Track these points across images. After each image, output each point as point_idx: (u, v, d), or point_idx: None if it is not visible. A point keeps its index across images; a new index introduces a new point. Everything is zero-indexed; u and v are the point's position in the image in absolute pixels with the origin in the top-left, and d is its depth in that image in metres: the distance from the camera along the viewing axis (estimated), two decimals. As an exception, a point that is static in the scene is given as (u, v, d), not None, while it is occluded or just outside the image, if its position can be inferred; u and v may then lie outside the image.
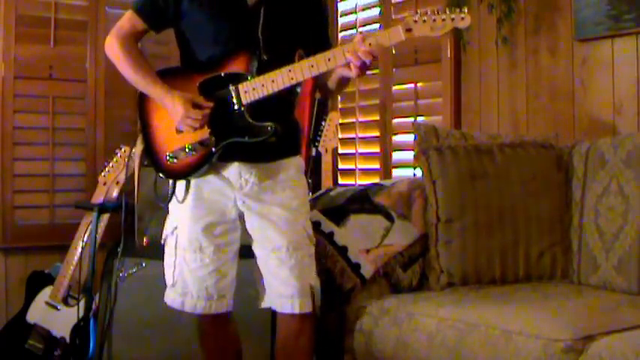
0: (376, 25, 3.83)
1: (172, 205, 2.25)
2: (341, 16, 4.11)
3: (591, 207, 2.53)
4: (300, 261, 2.16)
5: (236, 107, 2.10)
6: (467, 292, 2.50)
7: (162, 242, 2.28)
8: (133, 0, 2.24)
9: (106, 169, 3.27)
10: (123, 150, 3.27)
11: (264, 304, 2.24)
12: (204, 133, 2.12)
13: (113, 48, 2.20)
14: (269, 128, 2.09)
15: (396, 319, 2.40)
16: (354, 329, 2.53)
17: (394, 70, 3.71)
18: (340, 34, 4.09)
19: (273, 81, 2.06)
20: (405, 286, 2.66)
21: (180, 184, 2.21)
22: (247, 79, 2.09)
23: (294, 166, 2.24)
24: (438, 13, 1.99)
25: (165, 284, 2.27)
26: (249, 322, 2.55)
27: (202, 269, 2.19)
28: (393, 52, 3.69)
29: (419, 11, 2.03)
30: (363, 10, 3.94)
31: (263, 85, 2.07)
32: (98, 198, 3.25)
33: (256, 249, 2.22)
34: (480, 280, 2.61)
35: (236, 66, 2.11)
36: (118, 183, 3.26)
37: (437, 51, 3.45)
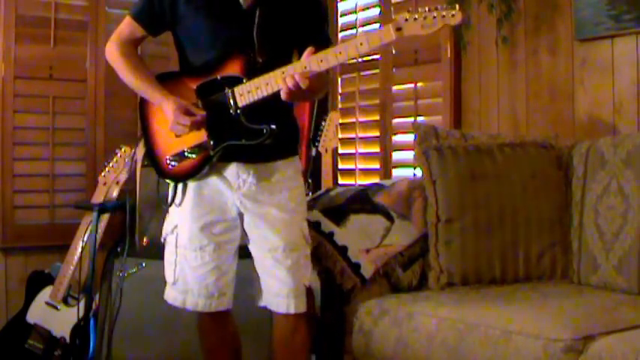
0: (376, 25, 3.83)
1: (175, 207, 2.26)
2: (341, 16, 4.11)
3: (591, 207, 2.53)
4: (295, 262, 2.18)
5: (232, 110, 2.12)
6: (467, 292, 2.50)
7: (163, 241, 2.29)
8: (131, 4, 2.25)
9: (106, 169, 3.26)
10: (123, 150, 3.26)
11: (262, 303, 2.26)
12: (202, 136, 2.14)
13: (113, 53, 2.25)
14: (264, 130, 2.10)
15: (396, 319, 2.40)
16: (354, 329, 2.53)
17: (394, 70, 3.71)
18: (340, 34, 4.09)
19: (267, 84, 2.07)
20: (405, 286, 2.66)
21: (179, 187, 2.23)
22: (243, 81, 2.10)
23: (291, 168, 2.26)
24: (428, 10, 1.98)
25: (165, 284, 2.28)
26: (249, 322, 2.55)
27: (203, 267, 2.20)
28: (393, 52, 3.70)
29: (410, 9, 2.00)
30: (363, 10, 3.94)
31: (257, 88, 2.08)
32: (98, 198, 3.25)
33: (252, 249, 2.24)
34: (480, 280, 2.61)
35: (232, 69, 2.12)
36: (118, 183, 3.25)
37: (437, 51, 3.44)
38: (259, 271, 2.23)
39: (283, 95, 2.04)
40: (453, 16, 1.97)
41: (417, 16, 1.98)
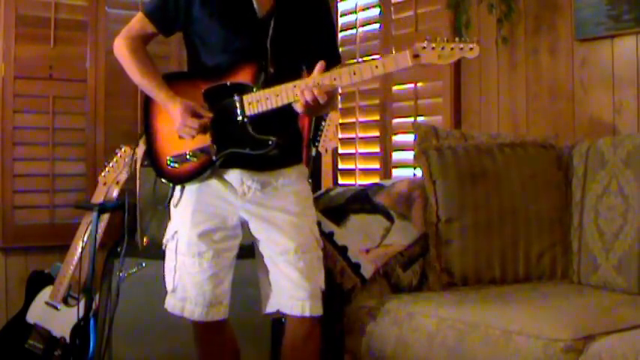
0: (376, 25, 3.83)
1: (173, 210, 2.24)
2: (341, 16, 4.11)
3: (591, 207, 2.53)
4: (309, 264, 2.15)
5: (239, 118, 2.10)
6: (467, 292, 2.50)
7: (164, 247, 2.25)
8: (144, 2, 2.23)
9: (106, 169, 3.27)
10: (123, 150, 3.27)
11: (270, 309, 2.21)
12: (206, 140, 2.12)
13: (121, 49, 2.21)
14: (270, 142, 2.09)
15: (396, 319, 2.40)
16: (354, 329, 2.53)
17: (394, 70, 3.71)
18: (340, 34, 4.08)
19: (277, 95, 2.06)
20: (405, 286, 2.66)
21: (177, 189, 2.21)
22: (252, 90, 2.09)
23: (296, 173, 2.24)
24: (447, 41, 1.99)
25: (165, 284, 2.26)
26: (248, 324, 2.55)
27: (201, 274, 2.16)
28: (393, 52, 3.69)
29: (429, 37, 2.02)
30: (363, 10, 3.94)
31: (267, 99, 2.07)
32: (98, 198, 3.25)
33: (264, 253, 2.20)
34: (480, 280, 2.61)
35: (242, 76, 2.11)
36: (118, 183, 3.25)
37: (437, 51, 3.44)
38: (272, 272, 2.18)
39: (300, 108, 2.04)
40: (471, 49, 1.99)
41: (434, 46, 1.99)
